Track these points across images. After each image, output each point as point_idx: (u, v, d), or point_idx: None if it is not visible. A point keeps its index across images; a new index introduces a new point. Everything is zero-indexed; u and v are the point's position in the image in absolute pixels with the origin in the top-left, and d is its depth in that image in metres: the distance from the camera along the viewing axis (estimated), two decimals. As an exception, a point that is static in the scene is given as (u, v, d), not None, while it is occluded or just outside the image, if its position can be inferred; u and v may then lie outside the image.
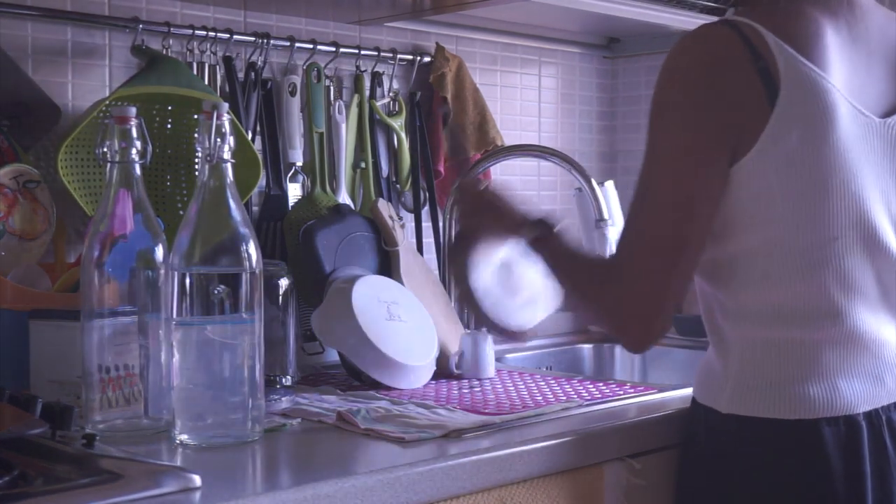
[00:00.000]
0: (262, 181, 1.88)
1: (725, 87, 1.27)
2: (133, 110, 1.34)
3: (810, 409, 1.30)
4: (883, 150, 1.32)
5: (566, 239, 1.39)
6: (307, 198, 1.96)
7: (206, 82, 1.84)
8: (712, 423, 1.37)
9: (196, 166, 1.74)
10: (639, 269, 1.30)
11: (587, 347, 2.38)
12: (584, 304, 1.44)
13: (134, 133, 1.34)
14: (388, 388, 1.66)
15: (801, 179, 1.27)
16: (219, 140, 1.31)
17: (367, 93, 2.07)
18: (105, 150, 1.34)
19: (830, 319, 1.31)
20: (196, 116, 1.60)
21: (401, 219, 1.97)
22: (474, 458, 1.27)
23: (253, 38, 1.90)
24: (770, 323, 1.32)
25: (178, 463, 1.20)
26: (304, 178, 1.97)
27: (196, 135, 1.35)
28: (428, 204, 2.14)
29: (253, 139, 1.88)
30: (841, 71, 1.30)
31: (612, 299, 1.33)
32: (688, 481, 1.44)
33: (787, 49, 1.28)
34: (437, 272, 2.07)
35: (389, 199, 2.05)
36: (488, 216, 1.44)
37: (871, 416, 1.31)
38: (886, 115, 1.34)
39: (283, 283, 1.67)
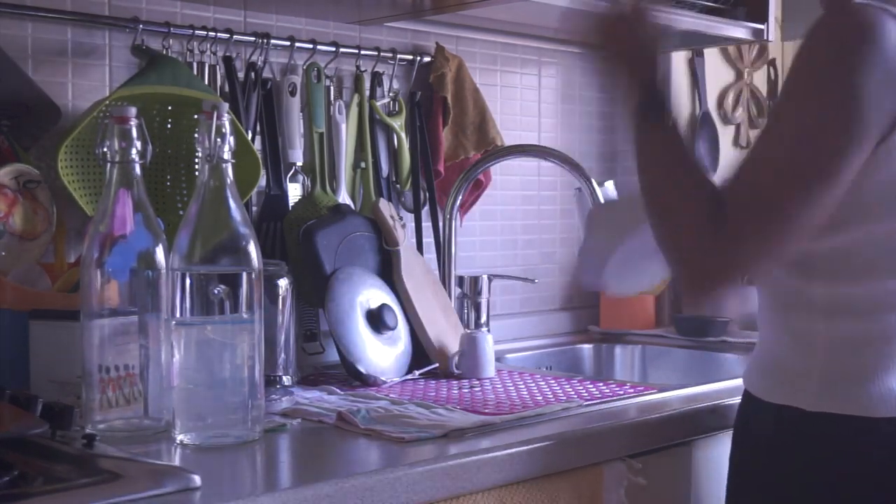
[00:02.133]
0: (262, 181, 1.88)
1: (880, 80, 1.21)
2: (133, 110, 1.34)
3: None
4: None
5: (679, 134, 1.30)
6: (307, 198, 1.95)
7: (206, 82, 1.83)
8: (787, 422, 1.32)
9: (196, 166, 1.74)
10: (749, 231, 1.22)
11: (587, 347, 2.38)
12: (662, 223, 1.30)
13: (134, 133, 1.34)
14: (389, 388, 1.66)
15: None
16: (219, 140, 1.31)
17: (367, 93, 2.07)
18: (105, 150, 1.34)
19: None
20: (196, 116, 1.60)
21: (401, 218, 1.97)
22: (474, 458, 1.27)
23: (253, 38, 1.90)
24: (863, 317, 1.29)
25: (178, 463, 1.20)
26: (304, 178, 1.97)
27: (196, 135, 1.35)
28: (428, 204, 2.14)
29: (253, 139, 1.88)
30: None
31: (704, 247, 1.24)
32: (749, 480, 1.39)
33: None
34: (437, 272, 2.07)
35: (389, 199, 2.05)
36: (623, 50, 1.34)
37: None
38: None
39: (283, 283, 1.67)
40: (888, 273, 1.28)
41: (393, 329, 1.78)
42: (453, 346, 1.86)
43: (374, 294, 1.80)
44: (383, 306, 1.78)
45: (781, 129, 1.26)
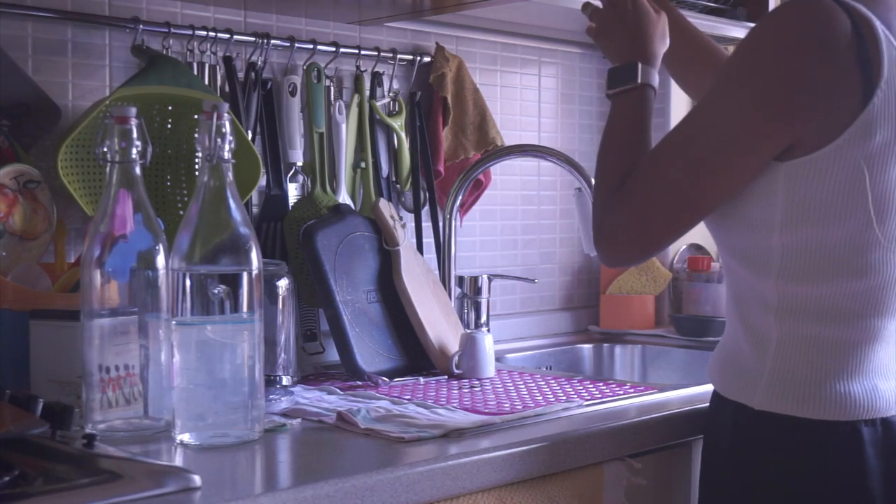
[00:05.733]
0: (262, 181, 1.88)
1: (819, 75, 1.21)
2: (133, 110, 1.34)
3: (850, 410, 1.28)
4: None
5: (646, 112, 1.44)
6: (307, 198, 1.96)
7: (206, 82, 1.83)
8: (741, 421, 1.34)
9: (196, 166, 1.74)
10: (646, 209, 1.31)
11: (587, 347, 2.38)
12: (598, 177, 1.42)
13: (134, 133, 1.34)
14: (389, 388, 1.66)
15: (878, 179, 1.23)
16: (219, 140, 1.31)
17: (367, 93, 2.07)
18: (105, 150, 1.34)
19: (877, 320, 1.29)
20: (196, 116, 1.60)
21: (401, 218, 1.97)
22: (474, 458, 1.27)
23: (253, 38, 1.90)
24: (815, 319, 1.29)
25: (178, 463, 1.20)
26: (304, 178, 1.97)
27: (196, 135, 1.35)
28: (428, 204, 2.14)
29: (253, 139, 1.88)
30: None
31: (610, 211, 1.34)
32: (712, 479, 1.41)
33: (892, 39, 1.22)
34: (437, 272, 2.07)
35: (389, 199, 2.05)
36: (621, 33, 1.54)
37: None
38: None
39: (283, 283, 1.67)
40: (839, 278, 1.27)
41: None
42: (453, 346, 1.86)
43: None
44: None
45: (698, 111, 1.30)
